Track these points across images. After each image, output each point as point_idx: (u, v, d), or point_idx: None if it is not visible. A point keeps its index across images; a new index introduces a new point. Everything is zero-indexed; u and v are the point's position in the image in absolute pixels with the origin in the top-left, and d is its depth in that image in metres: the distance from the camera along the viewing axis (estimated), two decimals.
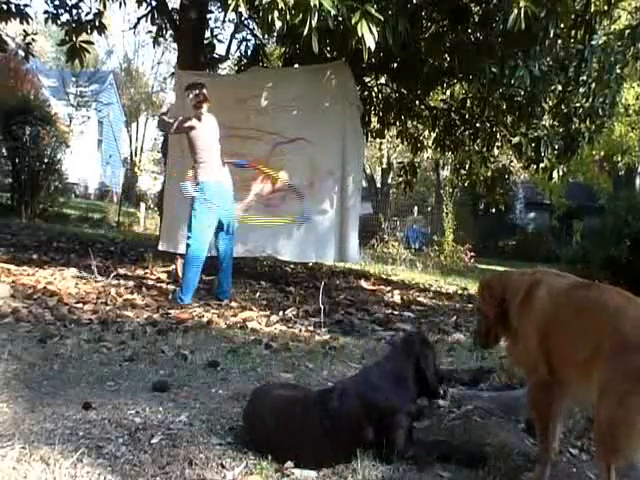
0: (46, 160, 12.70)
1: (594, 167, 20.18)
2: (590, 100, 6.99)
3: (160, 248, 7.06)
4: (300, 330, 4.72)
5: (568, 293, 2.17)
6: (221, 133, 6.70)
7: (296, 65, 8.08)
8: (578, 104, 7.18)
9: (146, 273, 6.85)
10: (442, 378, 2.52)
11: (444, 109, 8.94)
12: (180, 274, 6.84)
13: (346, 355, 3.96)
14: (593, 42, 6.31)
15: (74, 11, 7.99)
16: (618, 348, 1.86)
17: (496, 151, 9.49)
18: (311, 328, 4.81)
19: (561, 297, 2.16)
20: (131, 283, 6.19)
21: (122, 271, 6.83)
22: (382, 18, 4.80)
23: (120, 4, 8.61)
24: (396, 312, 6.06)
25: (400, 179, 10.23)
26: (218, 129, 5.58)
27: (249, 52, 8.98)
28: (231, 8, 4.69)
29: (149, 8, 8.32)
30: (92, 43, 8.85)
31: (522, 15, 4.89)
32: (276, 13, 4.52)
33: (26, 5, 8.19)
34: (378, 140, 14.41)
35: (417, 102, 8.85)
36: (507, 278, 2.41)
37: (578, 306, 2.11)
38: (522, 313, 2.26)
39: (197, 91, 5.50)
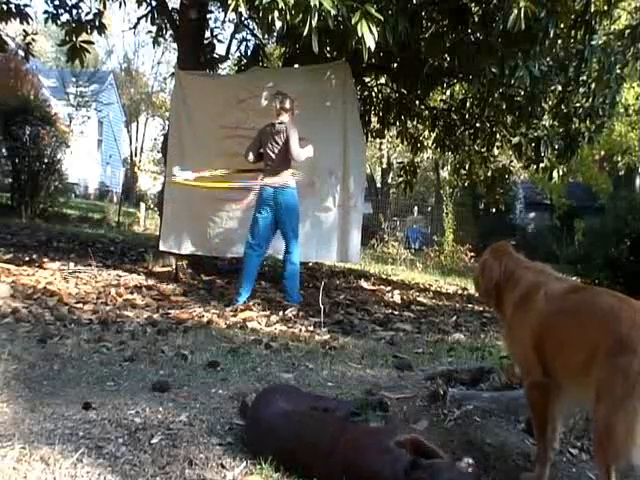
0: (46, 160, 12.66)
1: (594, 167, 20.17)
2: (590, 100, 6.99)
3: (161, 248, 7.05)
4: (300, 330, 4.72)
5: (563, 297, 2.16)
6: (221, 133, 6.73)
7: (296, 65, 8.07)
8: (578, 104, 7.18)
9: (146, 273, 6.85)
10: None
11: (444, 109, 8.94)
12: (180, 274, 6.86)
13: (346, 355, 3.96)
14: (593, 42, 6.30)
15: (74, 11, 7.98)
16: (614, 350, 1.86)
17: (496, 151, 9.49)
18: (311, 328, 4.81)
19: (557, 301, 2.15)
20: (131, 283, 6.19)
21: (122, 271, 6.83)
22: (382, 18, 4.80)
23: (120, 4, 8.62)
24: (396, 312, 6.06)
25: (400, 179, 10.23)
26: (286, 139, 5.68)
27: (249, 52, 8.97)
28: (231, 8, 4.69)
29: (149, 8, 8.31)
30: (92, 43, 8.85)
31: (522, 15, 4.89)
32: (276, 13, 4.52)
33: (26, 5, 8.19)
34: (378, 140, 14.42)
35: (417, 102, 8.84)
36: (509, 265, 2.36)
37: (573, 309, 2.11)
38: (517, 314, 2.27)
39: (276, 102, 5.80)
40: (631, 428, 1.80)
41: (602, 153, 19.69)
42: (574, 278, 11.35)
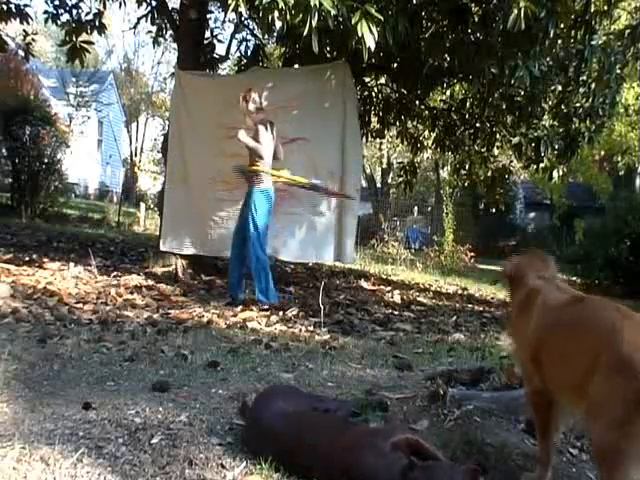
0: (46, 160, 12.67)
1: (594, 167, 20.19)
2: (590, 100, 6.99)
3: (162, 248, 7.03)
4: (300, 330, 4.72)
5: (562, 309, 2.10)
6: (221, 133, 6.72)
7: (296, 65, 8.07)
8: (578, 104, 7.18)
9: (146, 273, 6.85)
10: None
11: (444, 109, 8.94)
12: (180, 274, 6.84)
13: (346, 355, 3.96)
14: (593, 42, 6.30)
15: (74, 11, 7.99)
16: (614, 369, 1.80)
17: (496, 151, 9.49)
18: (311, 328, 4.81)
19: (555, 313, 2.10)
20: (131, 283, 6.19)
21: (122, 271, 6.83)
22: (382, 18, 4.80)
23: (120, 4, 8.63)
24: (396, 312, 6.06)
25: (400, 179, 10.23)
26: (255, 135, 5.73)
27: (249, 52, 8.97)
28: (231, 8, 4.69)
29: (149, 8, 8.31)
30: (92, 43, 8.86)
31: (522, 15, 4.89)
32: (276, 13, 4.52)
33: (26, 5, 8.21)
34: (378, 140, 14.41)
35: (417, 102, 8.84)
36: (519, 269, 2.35)
37: (572, 323, 2.04)
38: (519, 319, 2.26)
39: (257, 98, 5.83)
40: (630, 453, 1.75)
41: (602, 153, 19.72)
42: (574, 278, 11.31)
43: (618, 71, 6.74)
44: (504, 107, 7.89)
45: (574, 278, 11.56)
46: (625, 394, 1.75)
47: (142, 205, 16.86)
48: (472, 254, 12.97)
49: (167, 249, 7.01)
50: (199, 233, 6.91)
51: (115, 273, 6.65)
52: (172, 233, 6.99)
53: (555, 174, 7.92)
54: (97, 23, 7.99)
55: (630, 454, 1.75)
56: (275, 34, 8.12)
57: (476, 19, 6.50)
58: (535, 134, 7.41)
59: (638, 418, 1.73)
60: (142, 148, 35.17)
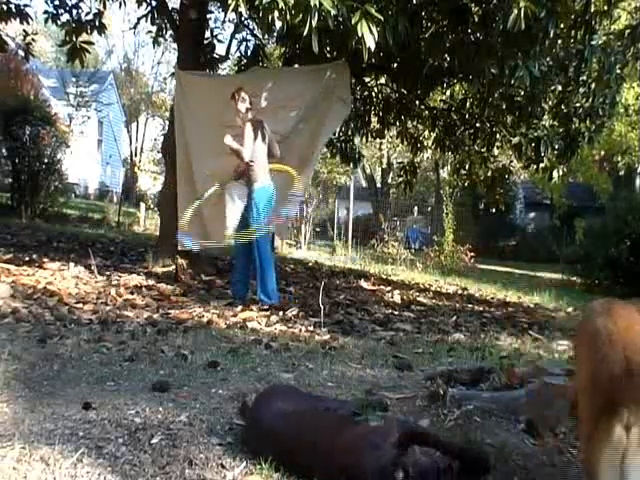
0: (46, 160, 12.67)
1: (594, 167, 20.19)
2: (590, 100, 7.00)
3: (180, 248, 6.88)
4: (300, 330, 4.72)
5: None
6: (222, 132, 6.70)
7: (296, 65, 8.07)
8: (578, 104, 7.19)
9: (146, 273, 6.84)
10: None
11: (444, 109, 8.95)
12: (180, 274, 6.83)
13: (346, 355, 3.96)
14: (593, 42, 6.31)
15: (74, 11, 7.99)
16: (586, 382, 1.69)
17: (496, 151, 9.49)
18: (311, 328, 4.81)
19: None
20: (131, 283, 6.19)
21: (122, 271, 6.83)
22: (382, 18, 4.80)
23: (120, 4, 8.63)
24: (396, 312, 6.07)
25: (400, 179, 10.24)
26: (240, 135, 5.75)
27: (249, 52, 8.97)
28: (231, 8, 4.70)
29: (149, 8, 8.31)
30: (92, 43, 8.87)
31: (522, 15, 4.89)
32: (276, 13, 4.52)
33: (26, 5, 8.21)
34: (378, 140, 14.41)
35: (417, 102, 8.84)
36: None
37: (577, 329, 2.02)
38: None
39: (248, 98, 5.85)
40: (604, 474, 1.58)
41: (602, 153, 19.73)
42: (574, 278, 11.24)
43: (618, 71, 6.74)
44: (504, 107, 7.89)
45: (574, 278, 11.58)
46: (592, 411, 1.62)
47: (142, 205, 16.86)
48: (472, 254, 12.98)
49: (187, 248, 6.85)
50: (216, 227, 6.84)
51: (115, 273, 6.65)
52: (190, 232, 6.89)
53: (555, 174, 7.92)
54: (97, 23, 7.99)
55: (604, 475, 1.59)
56: (275, 34, 8.12)
57: (476, 19, 6.50)
58: (535, 134, 7.41)
59: (605, 436, 1.55)
60: (142, 148, 35.15)
